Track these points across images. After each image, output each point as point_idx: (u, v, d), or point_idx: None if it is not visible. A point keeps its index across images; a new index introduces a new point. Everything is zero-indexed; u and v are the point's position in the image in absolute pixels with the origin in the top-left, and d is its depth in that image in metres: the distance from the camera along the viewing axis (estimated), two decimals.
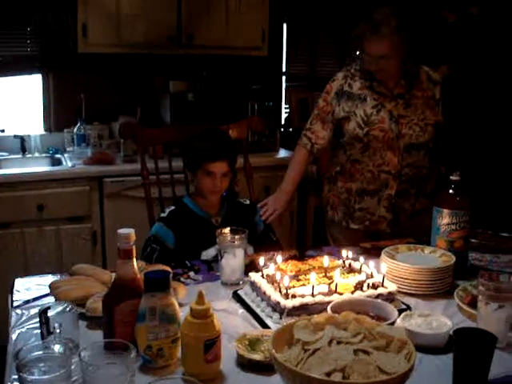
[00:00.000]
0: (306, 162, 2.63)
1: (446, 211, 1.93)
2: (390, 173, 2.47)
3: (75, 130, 3.69)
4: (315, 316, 1.32)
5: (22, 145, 3.71)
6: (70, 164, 3.45)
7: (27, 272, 3.13)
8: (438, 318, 1.53)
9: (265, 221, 2.45)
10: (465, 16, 4.13)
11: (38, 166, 3.54)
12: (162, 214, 2.34)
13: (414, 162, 2.47)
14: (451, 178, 1.94)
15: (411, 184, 2.51)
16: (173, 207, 2.36)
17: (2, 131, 3.76)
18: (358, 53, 2.44)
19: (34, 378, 1.13)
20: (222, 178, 2.29)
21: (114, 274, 1.45)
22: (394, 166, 2.46)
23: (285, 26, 4.45)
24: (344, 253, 1.85)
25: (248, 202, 2.54)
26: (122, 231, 1.35)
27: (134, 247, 1.37)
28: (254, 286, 1.71)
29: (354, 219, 2.58)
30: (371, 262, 1.79)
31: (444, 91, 2.51)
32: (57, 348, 1.24)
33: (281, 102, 4.51)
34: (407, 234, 2.32)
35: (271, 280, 1.67)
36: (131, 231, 1.36)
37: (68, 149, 3.73)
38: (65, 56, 3.75)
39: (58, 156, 3.68)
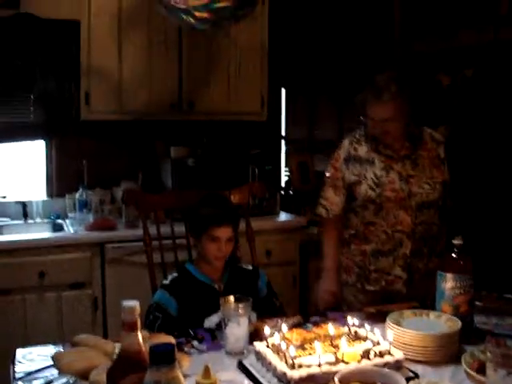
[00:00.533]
0: (336, 231, 2.66)
1: (449, 275, 1.94)
2: (403, 232, 2.50)
3: (77, 195, 3.71)
4: None
5: (24, 210, 3.73)
6: (71, 230, 3.45)
7: (27, 339, 3.10)
8: None
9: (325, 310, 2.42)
10: (459, 78, 4.22)
11: (40, 232, 3.55)
12: (165, 281, 2.34)
13: (426, 219, 2.51)
14: (453, 241, 1.94)
15: (424, 242, 2.53)
16: (175, 274, 2.36)
17: (4, 197, 3.78)
18: (361, 118, 2.50)
19: None
20: (227, 243, 2.30)
21: (117, 345, 1.43)
22: (407, 225, 2.49)
23: (283, 90, 4.53)
24: (349, 319, 1.84)
25: (250, 267, 2.54)
26: (126, 304, 1.34)
27: (138, 320, 1.36)
28: (260, 356, 1.69)
29: (369, 281, 2.59)
30: (376, 329, 1.78)
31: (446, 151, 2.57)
32: None
33: (280, 165, 4.56)
34: (422, 294, 2.31)
35: (276, 350, 1.65)
36: (136, 304, 1.34)
37: (70, 214, 3.74)
38: (67, 123, 3.82)
39: (59, 222, 3.68)
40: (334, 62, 4.51)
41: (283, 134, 4.60)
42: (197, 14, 2.39)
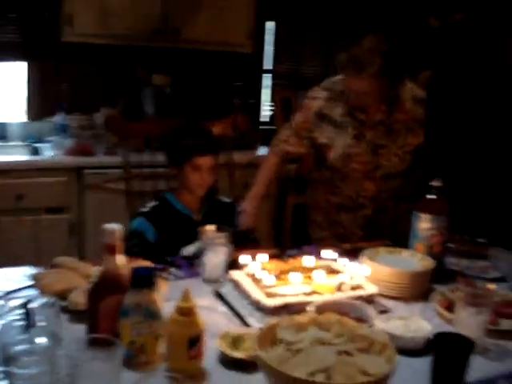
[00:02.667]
0: (276, 169, 2.62)
1: (425, 216, 1.97)
2: (367, 197, 2.48)
3: (56, 119, 3.65)
4: (298, 316, 1.34)
5: (3, 132, 3.67)
6: (50, 154, 3.42)
7: (2, 261, 3.11)
8: (416, 321, 1.57)
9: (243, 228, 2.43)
10: (449, 22, 4.18)
11: (18, 155, 3.50)
12: (144, 209, 2.34)
13: (391, 187, 2.48)
14: (432, 183, 1.97)
15: (388, 201, 2.52)
16: (155, 202, 2.36)
17: None
18: (339, 77, 2.37)
19: (21, 371, 1.12)
20: (209, 172, 2.30)
21: (96, 268, 1.45)
22: (371, 192, 2.47)
23: (273, 23, 4.46)
24: (324, 253, 1.88)
25: (229, 200, 2.55)
26: (108, 227, 1.35)
27: (119, 243, 1.37)
28: (236, 285, 1.73)
29: (331, 226, 2.59)
30: (352, 263, 1.82)
31: (427, 94, 2.49)
32: (40, 341, 1.24)
33: (260, 99, 4.52)
34: (393, 236, 2.34)
35: (253, 279, 1.68)
36: (116, 227, 1.36)
37: (49, 138, 3.69)
38: (49, 45, 3.72)
39: (38, 145, 3.64)
40: None
41: (269, 68, 4.54)
42: None
